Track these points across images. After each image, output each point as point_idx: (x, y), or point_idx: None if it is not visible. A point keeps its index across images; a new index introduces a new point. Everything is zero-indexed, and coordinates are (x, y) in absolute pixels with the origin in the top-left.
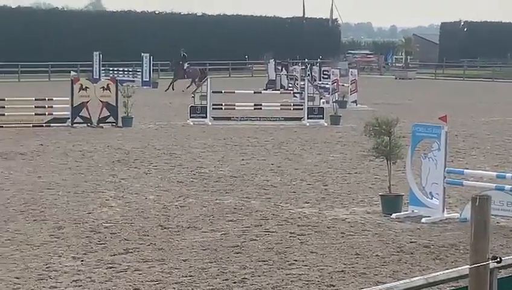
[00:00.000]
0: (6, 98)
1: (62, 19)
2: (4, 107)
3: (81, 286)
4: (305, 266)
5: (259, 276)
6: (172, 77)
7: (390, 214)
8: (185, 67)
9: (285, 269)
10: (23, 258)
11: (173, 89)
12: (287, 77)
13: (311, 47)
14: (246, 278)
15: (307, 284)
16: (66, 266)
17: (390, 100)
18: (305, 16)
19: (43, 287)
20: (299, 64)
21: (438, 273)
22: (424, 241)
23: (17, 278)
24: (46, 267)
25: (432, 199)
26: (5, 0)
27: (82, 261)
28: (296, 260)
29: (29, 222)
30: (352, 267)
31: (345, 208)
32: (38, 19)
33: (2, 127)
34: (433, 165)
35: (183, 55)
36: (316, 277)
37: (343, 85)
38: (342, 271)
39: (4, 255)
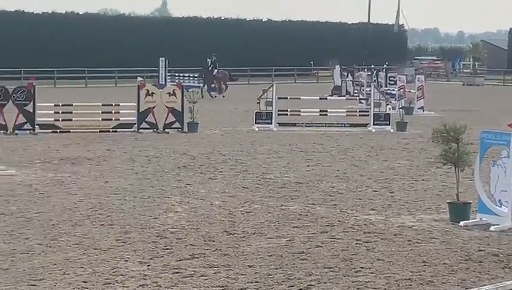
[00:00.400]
0: (73, 104)
1: (128, 25)
2: (72, 113)
3: None
4: (372, 273)
5: (325, 283)
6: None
7: (458, 222)
8: (214, 73)
9: (351, 276)
10: (91, 263)
11: (202, 97)
12: (353, 83)
13: (377, 53)
14: (312, 285)
15: None
16: (133, 270)
17: (457, 107)
18: (371, 22)
19: None
20: (365, 70)
21: (507, 282)
22: (493, 249)
23: (85, 282)
24: (113, 272)
25: (500, 206)
26: (73, 7)
27: (148, 266)
28: (362, 267)
29: (96, 227)
30: (420, 275)
31: (411, 215)
32: (105, 25)
33: (70, 132)
34: (502, 173)
35: (214, 60)
36: (383, 285)
37: (409, 91)
38: (409, 279)
39: (72, 259)
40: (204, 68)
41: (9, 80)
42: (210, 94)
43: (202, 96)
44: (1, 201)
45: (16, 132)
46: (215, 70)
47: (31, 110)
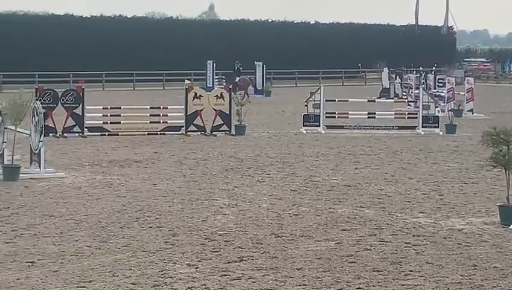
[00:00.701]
0: (122, 107)
1: (176, 28)
2: (120, 116)
3: None
4: (421, 277)
5: (374, 286)
6: None
7: (509, 225)
8: (236, 80)
9: (400, 280)
10: (139, 265)
11: (249, 101)
12: (401, 85)
13: (426, 55)
14: (361, 288)
15: None
16: (181, 273)
17: (508, 109)
18: (419, 24)
19: None
20: (414, 72)
21: None
22: None
23: (133, 284)
24: (162, 274)
25: None
26: (121, 10)
27: (196, 268)
28: (411, 271)
29: (145, 229)
30: (470, 279)
31: (461, 218)
32: (152, 28)
33: (118, 134)
34: None
35: (238, 68)
36: (432, 288)
37: (458, 93)
38: (459, 283)
39: (121, 261)
40: (235, 75)
41: (58, 83)
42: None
43: (249, 101)
44: (51, 203)
45: (65, 134)
46: (237, 78)
47: (80, 113)
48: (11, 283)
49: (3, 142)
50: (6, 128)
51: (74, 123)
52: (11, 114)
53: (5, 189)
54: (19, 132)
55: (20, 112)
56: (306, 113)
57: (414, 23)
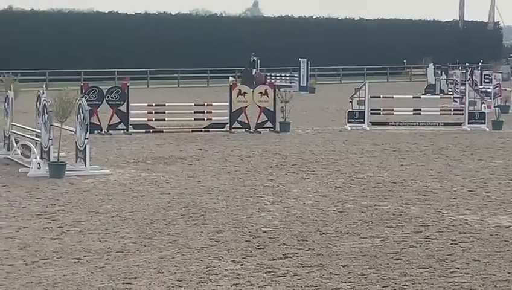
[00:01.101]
0: (166, 104)
1: (220, 25)
2: (164, 113)
3: (241, 289)
4: (468, 274)
5: (420, 283)
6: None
7: None
8: (253, 73)
9: (446, 277)
10: (184, 261)
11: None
12: (447, 81)
13: (472, 50)
14: (407, 285)
15: None
16: (226, 269)
17: None
18: (464, 19)
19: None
20: (459, 68)
21: None
22: None
23: (179, 280)
24: (207, 271)
25: None
26: (165, 8)
27: (242, 265)
28: (458, 268)
29: (190, 226)
30: None
31: (508, 215)
32: (196, 25)
33: (163, 132)
34: None
35: (253, 60)
36: (479, 286)
37: (505, 89)
38: (507, 280)
39: (166, 257)
40: (246, 68)
41: (103, 80)
42: None
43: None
44: (96, 200)
45: (110, 132)
46: (254, 71)
47: (125, 111)
48: (57, 279)
49: (49, 139)
50: (52, 125)
51: (119, 120)
52: (56, 111)
53: (51, 186)
54: (64, 129)
55: (65, 109)
56: (351, 110)
57: (458, 18)
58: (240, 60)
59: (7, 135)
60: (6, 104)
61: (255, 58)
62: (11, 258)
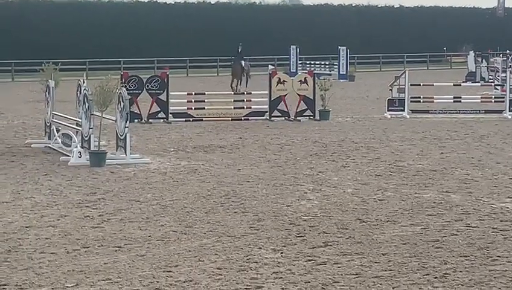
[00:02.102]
0: (206, 93)
1: (259, 13)
2: (204, 101)
3: (281, 278)
4: (509, 262)
5: (460, 272)
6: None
7: None
8: (243, 65)
9: (488, 265)
10: (225, 250)
11: (236, 92)
12: (488, 68)
13: None
14: (447, 274)
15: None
16: (266, 258)
17: None
18: (505, 6)
19: (244, 278)
20: (500, 55)
21: None
22: None
23: (219, 269)
24: (247, 259)
25: None
26: None
27: (282, 253)
28: (499, 256)
29: (230, 214)
30: None
31: None
32: (235, 14)
33: (202, 120)
34: None
35: (238, 50)
36: None
37: None
38: None
39: (206, 246)
40: (236, 60)
41: (143, 69)
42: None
43: (236, 91)
44: (137, 189)
45: (150, 120)
46: (243, 62)
47: (165, 99)
48: (99, 267)
49: (89, 128)
50: (92, 114)
51: (159, 109)
52: (97, 100)
53: (92, 175)
54: (105, 118)
55: (106, 98)
56: (390, 98)
57: (497, 5)
58: (279, 49)
59: (48, 124)
60: (47, 93)
61: (239, 49)
62: (52, 246)
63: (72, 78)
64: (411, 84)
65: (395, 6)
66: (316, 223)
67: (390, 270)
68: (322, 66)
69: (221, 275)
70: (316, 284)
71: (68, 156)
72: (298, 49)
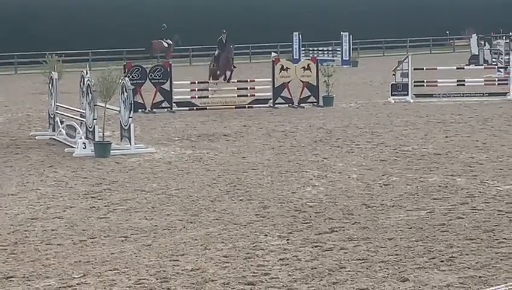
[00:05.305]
0: (209, 81)
1: (261, 0)
2: (208, 90)
3: (288, 264)
4: None
5: (467, 255)
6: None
7: None
8: (229, 54)
9: (494, 248)
10: (231, 237)
11: (228, 81)
12: (491, 51)
13: None
14: (454, 257)
15: None
16: (272, 244)
17: None
18: None
19: (251, 265)
20: (503, 38)
21: None
22: None
23: (225, 257)
24: (253, 246)
25: None
26: None
27: (288, 240)
28: (505, 239)
29: (235, 202)
30: None
31: None
32: (237, 2)
33: (206, 109)
34: None
35: (221, 40)
36: None
37: None
38: None
39: (212, 234)
40: (219, 47)
41: (146, 59)
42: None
43: (228, 80)
44: (142, 178)
45: (154, 110)
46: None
47: (168, 89)
48: (105, 257)
49: (93, 119)
50: (96, 105)
51: (162, 98)
52: (100, 91)
53: (97, 165)
54: (108, 108)
55: (109, 88)
56: (394, 83)
57: None
58: (282, 35)
59: (52, 116)
60: (50, 85)
61: (226, 36)
62: (59, 237)
63: (75, 69)
64: (414, 69)
65: None
66: (321, 210)
67: (397, 254)
68: (325, 52)
69: (228, 263)
70: (322, 270)
71: (73, 147)
72: (301, 36)
